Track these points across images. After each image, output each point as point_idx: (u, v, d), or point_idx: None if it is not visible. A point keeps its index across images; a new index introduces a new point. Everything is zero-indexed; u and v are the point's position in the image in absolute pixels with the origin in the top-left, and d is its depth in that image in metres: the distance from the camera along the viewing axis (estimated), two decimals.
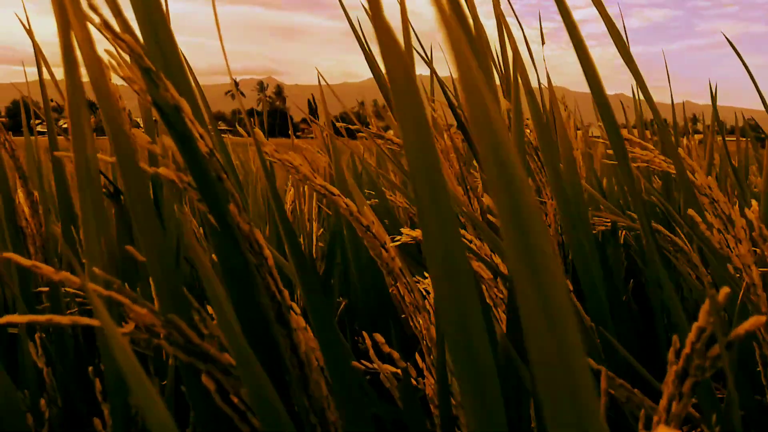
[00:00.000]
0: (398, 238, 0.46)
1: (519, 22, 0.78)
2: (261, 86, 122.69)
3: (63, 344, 0.55)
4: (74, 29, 0.28)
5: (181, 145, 0.29)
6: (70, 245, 0.57)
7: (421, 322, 0.41)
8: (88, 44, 0.28)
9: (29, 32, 0.66)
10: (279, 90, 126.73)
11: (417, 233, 0.45)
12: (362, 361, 0.39)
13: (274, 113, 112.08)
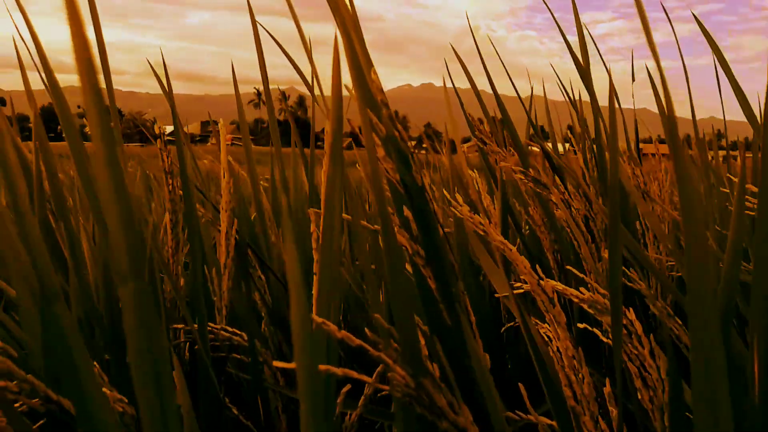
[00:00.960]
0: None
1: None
2: (284, 96, 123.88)
3: None
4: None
5: (419, 220, 0.36)
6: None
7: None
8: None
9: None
10: (301, 100, 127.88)
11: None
12: None
13: (296, 122, 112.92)
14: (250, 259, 0.80)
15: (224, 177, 0.73)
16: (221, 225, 0.70)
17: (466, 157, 0.92)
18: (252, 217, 0.96)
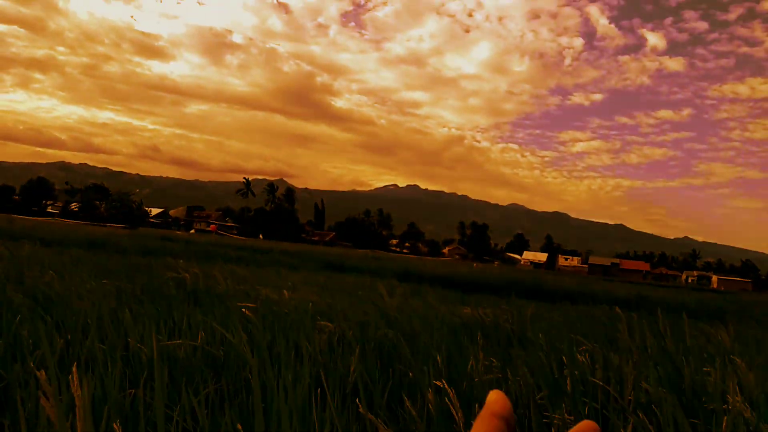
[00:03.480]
0: None
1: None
2: (272, 188, 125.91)
3: None
4: None
5: None
6: None
7: None
8: None
9: None
10: (289, 192, 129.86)
11: None
12: None
13: (282, 213, 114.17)
14: None
15: None
16: None
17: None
18: None
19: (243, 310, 3.99)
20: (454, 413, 1.79)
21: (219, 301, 4.51)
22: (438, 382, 1.98)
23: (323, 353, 2.63)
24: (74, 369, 1.26)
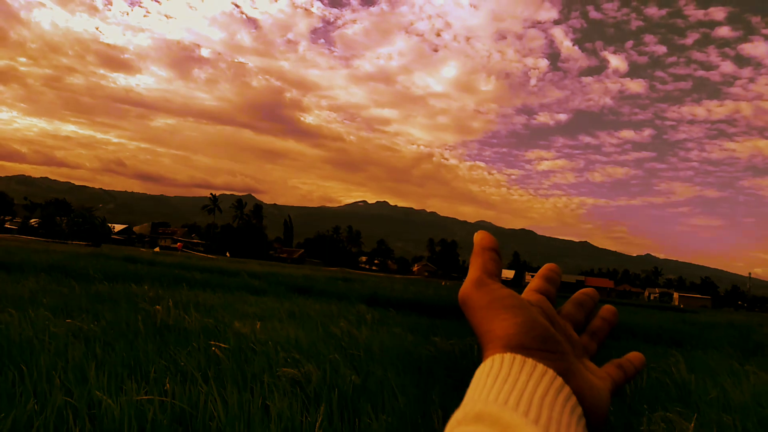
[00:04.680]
0: None
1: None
2: (239, 204, 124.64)
3: None
4: None
5: None
6: None
7: None
8: None
9: None
10: (257, 208, 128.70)
11: None
12: None
13: (250, 230, 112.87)
14: None
15: None
16: None
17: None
18: None
19: (213, 348, 4.00)
20: None
21: (186, 340, 4.49)
22: None
23: (291, 408, 2.67)
24: None
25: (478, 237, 0.46)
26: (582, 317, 0.48)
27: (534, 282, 0.47)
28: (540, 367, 0.37)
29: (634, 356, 0.47)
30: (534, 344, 0.38)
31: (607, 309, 0.49)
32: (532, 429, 0.32)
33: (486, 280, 0.42)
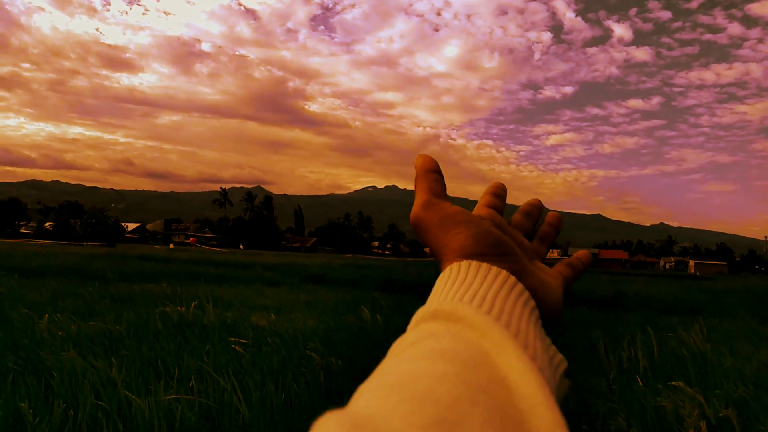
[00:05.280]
0: None
1: None
2: (250, 196, 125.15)
3: None
4: None
5: None
6: None
7: None
8: None
9: None
10: (267, 200, 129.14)
11: None
12: None
13: (262, 221, 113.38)
14: None
15: None
16: None
17: None
18: None
19: (234, 346, 4.10)
20: None
21: (206, 336, 4.59)
22: None
23: (312, 397, 2.75)
24: None
25: (419, 161, 0.47)
26: (530, 225, 0.50)
27: (483, 199, 0.49)
28: (494, 268, 0.38)
29: (582, 254, 0.50)
30: (487, 250, 0.40)
31: (552, 215, 0.52)
32: (483, 318, 0.32)
33: (434, 200, 0.43)
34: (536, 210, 0.52)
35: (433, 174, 0.46)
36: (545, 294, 0.41)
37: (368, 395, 0.26)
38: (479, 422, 0.24)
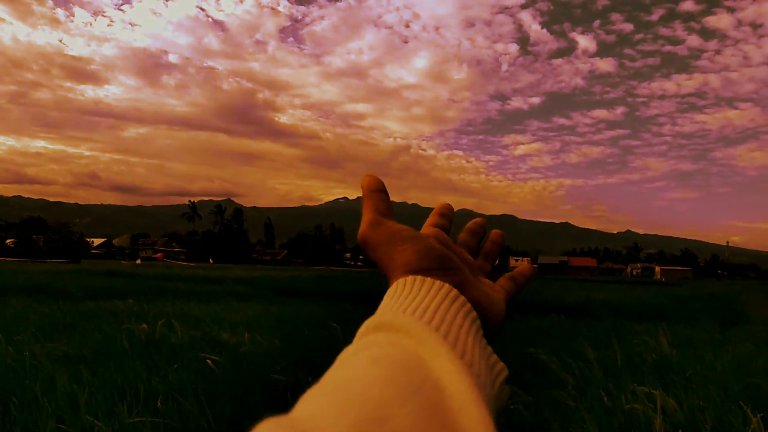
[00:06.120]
0: None
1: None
2: (219, 209, 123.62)
3: None
4: None
5: None
6: None
7: None
8: None
9: None
10: (237, 212, 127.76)
11: None
12: None
13: (232, 234, 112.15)
14: None
15: None
16: None
17: None
18: None
19: (208, 361, 4.03)
20: None
21: (174, 356, 4.50)
22: None
23: None
24: None
25: (365, 181, 0.48)
26: (475, 243, 0.52)
27: (430, 219, 0.51)
28: (437, 282, 0.40)
29: (525, 267, 0.52)
30: (432, 265, 0.41)
31: (495, 233, 0.55)
32: (421, 327, 0.33)
33: (381, 219, 0.45)
34: (480, 228, 0.54)
35: (378, 193, 0.47)
36: (488, 306, 0.42)
37: (308, 401, 0.27)
38: (408, 420, 0.25)
